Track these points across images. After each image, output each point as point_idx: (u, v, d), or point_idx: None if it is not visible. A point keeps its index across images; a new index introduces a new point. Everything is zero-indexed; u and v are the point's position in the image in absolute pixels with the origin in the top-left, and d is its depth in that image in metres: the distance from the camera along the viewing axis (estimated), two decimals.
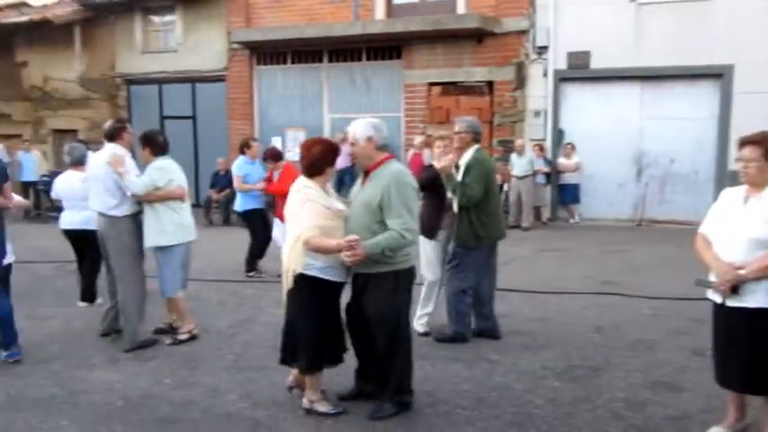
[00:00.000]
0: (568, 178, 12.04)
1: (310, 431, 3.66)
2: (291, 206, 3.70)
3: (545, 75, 12.06)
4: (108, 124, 5.38)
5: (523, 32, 12.11)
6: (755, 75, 10.66)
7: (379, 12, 13.13)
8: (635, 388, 4.24)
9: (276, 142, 13.63)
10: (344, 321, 3.91)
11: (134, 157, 5.33)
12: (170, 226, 5.07)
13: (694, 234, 3.55)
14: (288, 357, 3.83)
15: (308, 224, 3.57)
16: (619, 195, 12.07)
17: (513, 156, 11.62)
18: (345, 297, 3.90)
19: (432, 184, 5.05)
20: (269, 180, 7.65)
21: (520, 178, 11.45)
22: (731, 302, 3.29)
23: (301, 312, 3.72)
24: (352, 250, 3.44)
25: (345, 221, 3.69)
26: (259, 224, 7.78)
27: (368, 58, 13.45)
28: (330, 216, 3.64)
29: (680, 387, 4.25)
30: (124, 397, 4.17)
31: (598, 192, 12.10)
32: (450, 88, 12.83)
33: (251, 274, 7.72)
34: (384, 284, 3.68)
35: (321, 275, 3.65)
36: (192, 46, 14.74)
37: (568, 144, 12.02)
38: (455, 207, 5.09)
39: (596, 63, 11.72)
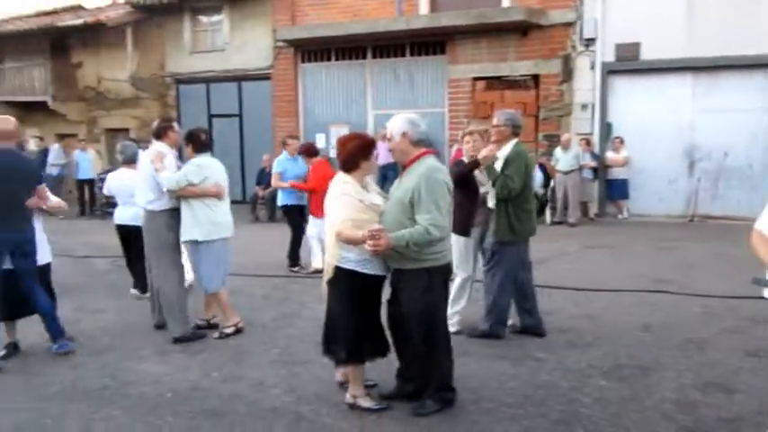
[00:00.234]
0: (617, 173, 11.77)
1: (353, 426, 3.67)
2: (329, 201, 3.77)
3: (592, 67, 11.82)
4: (155, 123, 5.55)
5: (570, 24, 11.89)
6: None
7: (423, 7, 13.10)
8: (685, 389, 4.12)
9: (320, 139, 13.77)
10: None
11: (181, 155, 5.46)
12: (204, 222, 5.18)
13: (749, 230, 3.41)
14: (329, 348, 3.88)
15: (341, 217, 3.63)
16: (670, 190, 11.75)
17: (558, 150, 11.42)
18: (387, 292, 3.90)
19: (462, 179, 4.99)
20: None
21: (565, 173, 11.26)
22: None
23: (339, 304, 3.77)
24: (374, 240, 3.45)
25: (381, 216, 3.70)
26: (297, 220, 7.89)
27: (411, 54, 13.42)
28: (363, 209, 3.65)
29: (733, 388, 4.10)
30: (173, 389, 4.27)
31: (648, 187, 11.80)
32: (495, 83, 12.70)
33: (294, 269, 7.82)
34: (416, 282, 3.66)
35: (357, 268, 3.68)
36: (238, 45, 14.98)
37: (617, 138, 11.75)
38: (490, 202, 5.05)
39: (646, 54, 11.42)
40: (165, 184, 5.09)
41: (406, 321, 3.74)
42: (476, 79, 12.81)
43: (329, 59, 14.26)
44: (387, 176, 11.62)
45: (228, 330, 5.33)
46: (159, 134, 5.36)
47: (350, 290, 3.71)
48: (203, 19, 15.67)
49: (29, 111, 17.56)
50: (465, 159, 5.15)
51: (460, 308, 5.33)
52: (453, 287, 5.23)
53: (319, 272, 7.30)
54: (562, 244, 9.38)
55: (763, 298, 3.35)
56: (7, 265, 4.66)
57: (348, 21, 13.39)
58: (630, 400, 3.96)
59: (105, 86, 16.81)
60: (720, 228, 10.61)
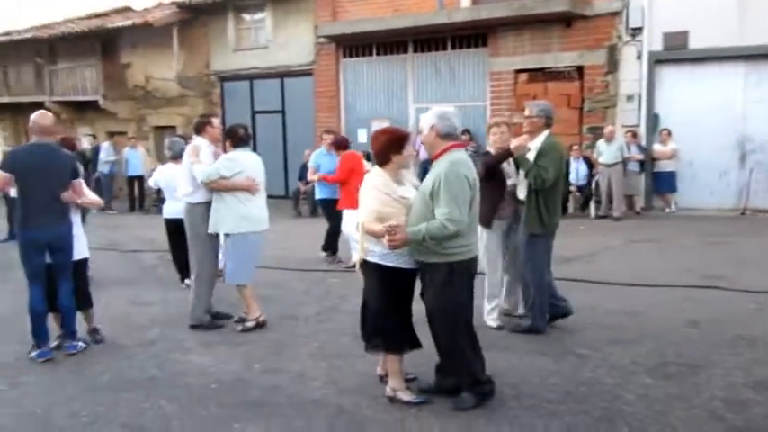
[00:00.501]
0: (664, 166, 11.45)
1: (394, 420, 3.68)
2: (360, 194, 3.86)
3: (639, 57, 11.52)
4: (195, 120, 5.69)
5: (616, 14, 11.61)
6: None
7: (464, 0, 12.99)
8: (735, 387, 3.99)
9: (362, 134, 13.83)
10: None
11: (225, 149, 5.60)
12: (233, 215, 5.26)
13: None
14: (363, 334, 3.99)
15: (367, 210, 3.72)
16: (720, 183, 11.38)
17: (600, 143, 11.18)
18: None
19: (490, 171, 4.97)
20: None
21: (609, 166, 11.02)
22: None
23: (369, 296, 3.88)
24: (390, 235, 3.51)
25: (409, 209, 3.71)
26: (332, 212, 7.99)
27: (453, 47, 13.33)
28: (390, 203, 3.69)
29: None
30: (218, 380, 4.36)
31: (697, 180, 11.46)
32: (538, 74, 12.51)
33: (329, 258, 7.97)
34: (437, 276, 3.65)
35: (381, 261, 3.73)
36: (281, 42, 15.14)
37: (664, 130, 11.43)
38: (521, 194, 5.01)
39: (695, 43, 11.06)
40: (197, 176, 5.24)
41: (430, 315, 3.76)
42: (518, 71, 12.64)
43: (370, 54, 14.28)
44: (428, 170, 11.57)
45: (249, 324, 5.39)
46: (198, 129, 5.55)
47: (377, 281, 3.79)
48: (246, 17, 15.89)
49: (81, 110, 18.19)
50: (491, 151, 5.14)
51: (498, 302, 5.31)
52: (486, 282, 5.25)
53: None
54: (606, 238, 9.21)
55: None
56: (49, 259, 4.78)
57: (389, 15, 13.38)
58: (677, 398, 3.86)
59: (153, 85, 17.23)
60: None
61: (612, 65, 11.70)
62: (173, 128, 16.99)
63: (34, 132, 4.76)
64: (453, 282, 3.65)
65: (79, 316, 5.09)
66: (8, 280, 7.58)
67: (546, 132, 4.99)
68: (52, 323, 4.99)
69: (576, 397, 3.92)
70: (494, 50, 12.80)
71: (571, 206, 11.81)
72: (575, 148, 11.59)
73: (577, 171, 11.49)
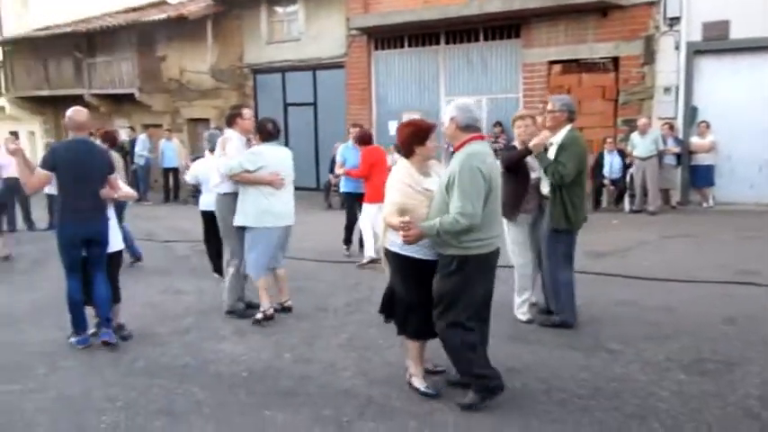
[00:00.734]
0: (702, 159, 11.17)
1: (423, 411, 3.69)
2: (386, 186, 3.89)
3: (677, 48, 11.23)
4: (227, 112, 5.76)
5: (653, 3, 11.34)
6: None
7: None
8: None
9: (393, 126, 13.81)
10: None
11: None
12: (253, 209, 5.28)
13: None
14: (389, 318, 4.07)
15: (389, 202, 3.77)
16: (760, 177, 11.05)
17: (635, 135, 10.96)
18: None
19: (513, 165, 4.98)
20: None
21: (643, 159, 10.80)
22: None
23: (392, 283, 3.95)
24: (404, 230, 3.58)
25: (432, 201, 3.71)
26: (350, 206, 8.03)
27: (485, 39, 13.20)
28: (412, 195, 3.70)
29: None
30: (249, 369, 4.43)
31: (736, 174, 11.15)
32: (572, 66, 12.31)
33: (345, 247, 8.02)
34: (445, 266, 3.63)
35: (401, 252, 3.78)
36: (313, 34, 15.19)
37: (702, 122, 11.15)
38: (544, 189, 4.98)
39: (736, 33, 10.73)
40: (220, 168, 5.30)
41: (434, 301, 3.73)
42: (552, 63, 12.46)
43: (402, 46, 14.24)
44: None
45: (258, 317, 5.39)
46: (230, 121, 5.59)
47: (398, 270, 3.86)
48: (279, 10, 15.96)
49: (118, 102, 18.54)
50: (517, 144, 5.14)
51: (527, 297, 5.28)
52: (515, 276, 5.27)
53: (373, 262, 7.43)
54: (641, 233, 9.05)
55: None
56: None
57: (420, 7, 13.31)
58: (712, 396, 3.79)
59: (187, 78, 17.45)
60: None
61: (649, 56, 11.45)
62: (206, 120, 17.22)
63: (70, 128, 4.83)
64: (459, 273, 3.59)
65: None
66: (48, 268, 7.80)
67: (568, 127, 4.97)
68: (90, 311, 5.09)
69: (606, 393, 3.88)
70: (527, 41, 12.64)
71: (604, 200, 11.63)
72: (609, 140, 11.40)
73: (611, 164, 11.28)
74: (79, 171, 4.71)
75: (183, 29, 16.66)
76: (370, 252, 7.53)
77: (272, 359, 4.60)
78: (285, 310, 5.65)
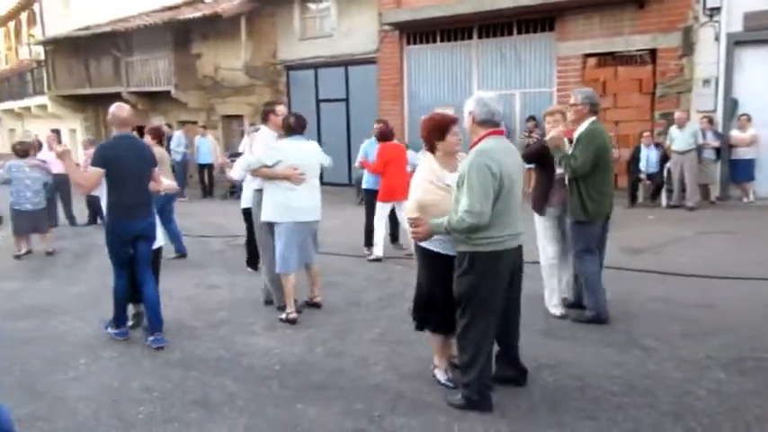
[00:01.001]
0: (742, 153, 10.86)
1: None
2: (411, 183, 3.92)
3: (717, 39, 10.94)
4: (262, 108, 5.83)
5: None
6: None
7: None
8: None
9: None
10: None
11: None
12: (273, 204, 5.30)
13: None
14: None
15: (411, 197, 3.79)
16: None
17: (673, 129, 10.71)
18: None
19: (536, 159, 5.09)
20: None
21: (681, 153, 10.55)
22: None
23: (418, 277, 3.96)
24: (413, 227, 3.61)
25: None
26: (369, 204, 7.98)
27: (519, 32, 13.05)
28: (433, 190, 3.70)
29: None
30: (281, 362, 4.48)
31: None
32: (608, 59, 12.09)
33: (366, 251, 7.89)
34: (460, 264, 3.60)
35: (425, 245, 3.79)
36: (345, 30, 15.22)
37: (743, 115, 10.84)
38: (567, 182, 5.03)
39: None
40: (242, 164, 5.33)
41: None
42: (587, 56, 12.26)
43: (434, 41, 14.17)
44: None
45: (282, 316, 5.39)
46: (264, 118, 5.67)
47: (422, 264, 3.88)
48: (312, 6, 16.04)
49: (155, 100, 18.90)
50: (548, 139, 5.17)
51: (555, 289, 5.29)
52: (543, 271, 5.29)
53: (379, 260, 7.42)
54: (679, 229, 8.86)
55: None
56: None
57: (453, 1, 13.21)
58: (752, 395, 3.71)
59: (222, 75, 17.67)
60: None
61: (688, 47, 11.17)
62: (240, 117, 17.43)
63: (113, 125, 4.83)
64: (471, 272, 3.53)
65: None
66: (89, 262, 8.02)
67: (590, 119, 4.98)
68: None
69: (641, 390, 3.82)
70: (561, 34, 12.46)
71: (641, 195, 11.41)
72: (646, 134, 11.17)
73: (648, 158, 11.06)
74: (127, 167, 4.71)
75: (217, 26, 16.88)
76: (378, 252, 7.55)
77: (304, 353, 4.65)
78: (313, 305, 5.67)
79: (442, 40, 14.05)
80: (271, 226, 5.43)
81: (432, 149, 3.83)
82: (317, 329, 5.15)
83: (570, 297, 5.40)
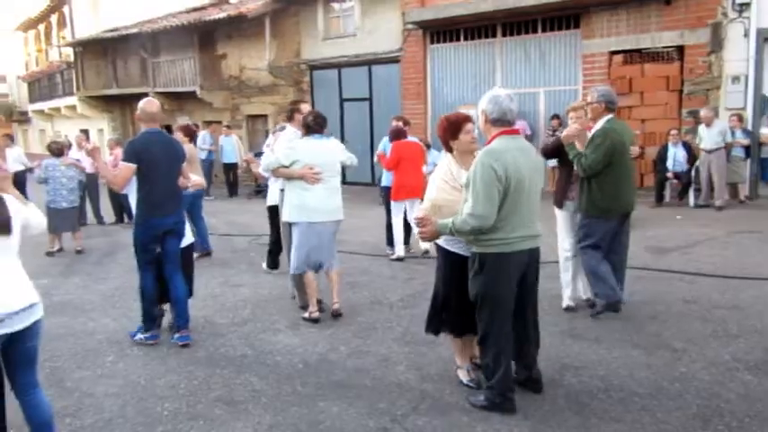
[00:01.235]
0: None
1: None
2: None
3: (746, 35, 10.73)
4: (288, 107, 5.87)
5: None
6: None
7: None
8: None
9: None
10: None
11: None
12: (289, 204, 5.30)
13: None
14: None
15: (427, 196, 3.82)
16: None
17: (701, 127, 10.53)
18: None
19: (554, 154, 5.18)
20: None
21: (709, 152, 10.36)
22: None
23: (436, 277, 3.96)
24: (420, 227, 3.61)
25: None
26: (389, 202, 7.95)
27: (543, 30, 12.94)
28: (448, 190, 3.70)
29: None
30: (304, 360, 4.51)
31: None
32: (635, 56, 11.93)
33: (389, 250, 7.88)
34: (471, 265, 3.57)
35: (444, 245, 3.80)
36: (368, 29, 15.24)
37: None
38: None
39: None
40: (263, 163, 5.38)
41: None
42: (613, 53, 12.12)
43: (458, 40, 14.12)
44: None
45: (305, 315, 5.39)
46: (289, 117, 5.72)
47: (441, 264, 3.89)
48: (335, 6, 16.09)
49: (180, 100, 19.13)
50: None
51: (569, 281, 5.36)
52: (559, 264, 5.41)
53: (401, 260, 7.39)
54: (708, 228, 8.72)
55: None
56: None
57: None
58: None
59: (246, 75, 17.83)
60: None
61: (717, 44, 10.97)
62: (264, 117, 17.55)
63: (142, 120, 4.79)
64: (482, 273, 3.49)
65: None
66: (116, 260, 8.15)
67: (606, 117, 5.00)
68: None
69: (669, 393, 3.77)
70: (587, 32, 12.33)
71: (668, 194, 11.24)
72: (673, 132, 10.99)
73: (674, 157, 10.88)
74: (156, 162, 4.67)
75: (242, 27, 17.03)
76: (399, 251, 7.54)
77: (326, 352, 4.67)
78: (333, 315, 5.42)
79: (465, 39, 13.99)
80: (291, 226, 5.45)
81: (449, 149, 3.82)
82: (339, 328, 5.17)
83: (592, 297, 5.35)
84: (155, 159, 4.67)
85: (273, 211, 6.56)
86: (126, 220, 10.92)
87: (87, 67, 22.22)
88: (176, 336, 4.92)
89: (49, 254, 8.78)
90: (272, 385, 4.11)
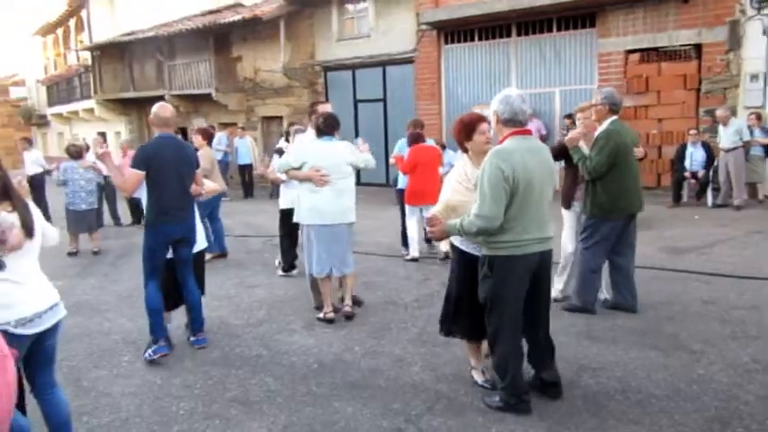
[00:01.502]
0: None
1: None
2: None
3: (765, 33, 10.59)
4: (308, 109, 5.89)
5: None
6: None
7: None
8: None
9: None
10: None
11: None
12: (302, 206, 5.32)
13: None
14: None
15: (441, 197, 3.82)
16: None
17: (721, 126, 10.39)
18: None
19: (565, 156, 5.21)
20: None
21: (727, 151, 10.22)
22: None
23: (450, 277, 3.95)
24: (429, 227, 3.62)
25: None
26: (404, 203, 7.90)
27: (558, 29, 12.87)
28: (461, 192, 3.70)
29: None
30: (319, 361, 4.51)
31: None
32: (651, 54, 11.83)
33: (404, 250, 7.84)
34: (481, 267, 3.54)
35: (458, 244, 3.80)
36: (383, 30, 15.25)
37: None
38: None
39: None
40: (275, 165, 5.40)
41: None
42: (629, 52, 12.01)
43: (472, 40, 14.07)
44: None
45: (320, 315, 5.40)
46: (310, 118, 5.74)
47: (456, 264, 3.88)
48: (350, 7, 16.12)
49: (196, 102, 19.25)
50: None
51: (564, 278, 5.49)
52: (561, 260, 5.47)
53: (415, 260, 7.38)
54: (726, 228, 8.61)
55: None
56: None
57: None
58: None
59: (261, 77, 17.90)
60: None
61: (735, 42, 10.84)
62: (279, 118, 17.61)
63: (156, 125, 4.70)
64: (493, 276, 3.46)
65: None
66: (132, 262, 8.21)
67: (610, 119, 5.03)
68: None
69: (687, 395, 3.72)
70: (603, 30, 12.23)
71: (685, 194, 11.11)
72: (691, 132, 10.87)
73: (692, 156, 10.76)
74: (172, 168, 4.55)
75: (256, 29, 17.10)
76: (414, 252, 7.52)
77: (341, 352, 4.67)
78: (345, 317, 5.41)
79: (479, 39, 13.95)
80: (306, 227, 5.46)
81: (464, 150, 3.82)
82: (354, 329, 5.17)
83: (610, 298, 5.34)
84: (165, 164, 4.52)
85: (285, 215, 6.59)
86: (142, 221, 11.01)
87: (105, 71, 22.44)
88: (192, 339, 4.95)
89: (71, 254, 8.90)
90: (286, 385, 4.11)
